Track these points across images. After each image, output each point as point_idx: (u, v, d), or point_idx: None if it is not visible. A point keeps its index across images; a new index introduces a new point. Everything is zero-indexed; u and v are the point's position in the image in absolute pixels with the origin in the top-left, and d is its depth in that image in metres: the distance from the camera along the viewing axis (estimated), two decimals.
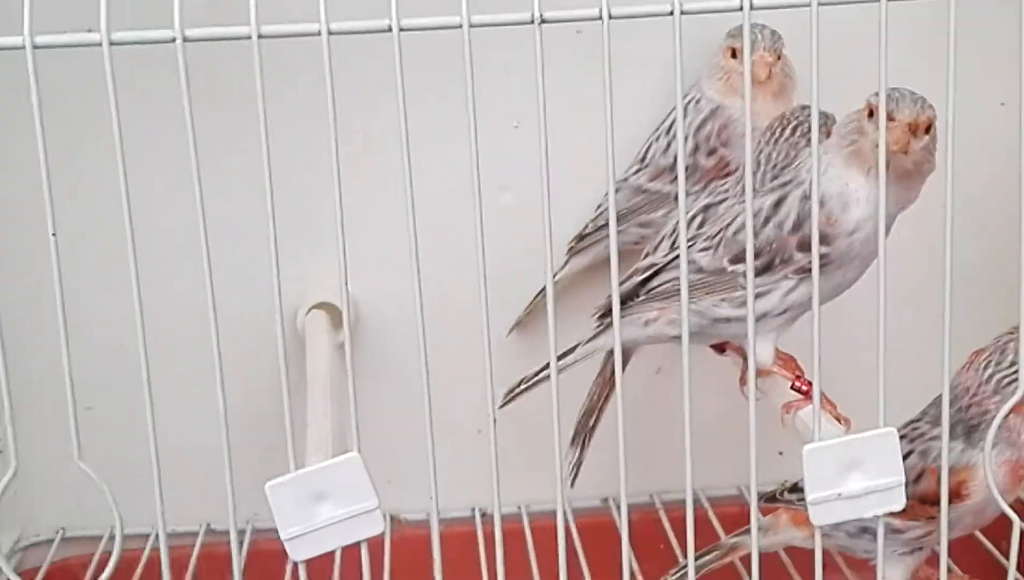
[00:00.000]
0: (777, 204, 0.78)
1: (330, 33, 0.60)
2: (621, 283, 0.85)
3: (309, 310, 0.99)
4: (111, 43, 0.59)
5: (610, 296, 0.86)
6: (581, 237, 1.00)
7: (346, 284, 0.66)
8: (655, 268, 0.83)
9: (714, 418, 0.81)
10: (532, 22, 0.61)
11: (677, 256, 0.79)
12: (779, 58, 0.90)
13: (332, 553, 0.67)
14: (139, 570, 0.98)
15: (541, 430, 0.86)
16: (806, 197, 0.76)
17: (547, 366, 0.83)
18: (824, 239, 0.74)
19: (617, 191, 0.97)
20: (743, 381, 0.87)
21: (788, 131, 0.83)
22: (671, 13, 0.61)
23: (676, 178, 0.95)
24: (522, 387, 0.87)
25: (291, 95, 0.87)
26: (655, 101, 0.99)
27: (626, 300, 0.82)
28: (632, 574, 0.93)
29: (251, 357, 0.93)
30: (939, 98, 0.65)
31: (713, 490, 1.08)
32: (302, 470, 0.66)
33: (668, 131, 0.96)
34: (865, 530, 0.82)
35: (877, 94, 0.64)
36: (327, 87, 0.61)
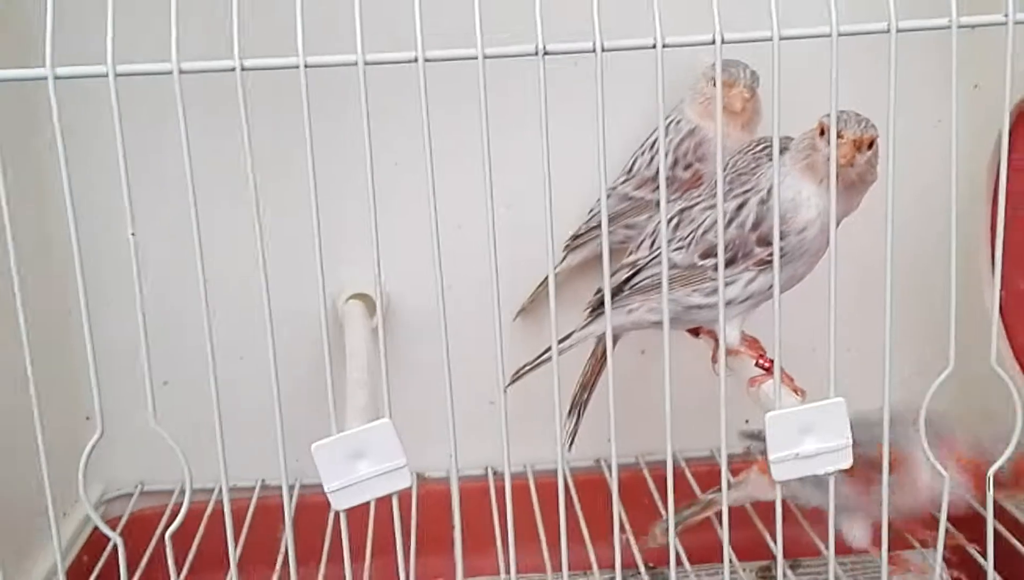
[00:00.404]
0: (739, 208, 0.78)
1: (366, 64, 0.60)
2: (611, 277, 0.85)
3: (347, 300, 0.99)
4: (181, 71, 0.59)
5: (599, 290, 0.88)
6: (576, 237, 1.00)
7: (379, 277, 0.65)
8: (637, 266, 0.83)
9: (690, 391, 0.81)
10: (536, 54, 0.61)
11: (656, 255, 0.80)
12: (753, 94, 0.90)
13: (367, 505, 0.67)
14: (205, 519, 0.98)
15: (544, 402, 0.86)
16: (763, 201, 0.77)
17: (548, 349, 0.84)
18: (781, 234, 0.74)
19: (608, 197, 0.99)
20: (714, 359, 0.87)
21: (753, 149, 0.83)
22: (654, 46, 0.61)
23: (657, 187, 0.96)
24: (527, 368, 0.87)
25: (337, 118, 0.87)
26: (641, 120, 0.98)
27: (614, 294, 0.82)
28: (621, 523, 0.93)
29: (301, 340, 0.92)
30: (882, 118, 0.65)
31: (689, 452, 1.08)
32: (342, 433, 0.66)
33: (652, 146, 0.97)
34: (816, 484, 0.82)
35: (828, 115, 0.64)
36: (363, 112, 0.61)
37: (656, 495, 1.02)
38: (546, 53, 0.60)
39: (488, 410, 0.91)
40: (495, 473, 1.06)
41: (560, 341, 0.87)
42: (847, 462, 0.67)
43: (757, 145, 0.83)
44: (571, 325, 0.90)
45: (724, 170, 0.86)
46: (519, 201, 1.00)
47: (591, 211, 0.99)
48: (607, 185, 0.99)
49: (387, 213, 0.91)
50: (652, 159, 0.96)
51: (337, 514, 0.67)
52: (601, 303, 0.81)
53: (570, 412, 0.91)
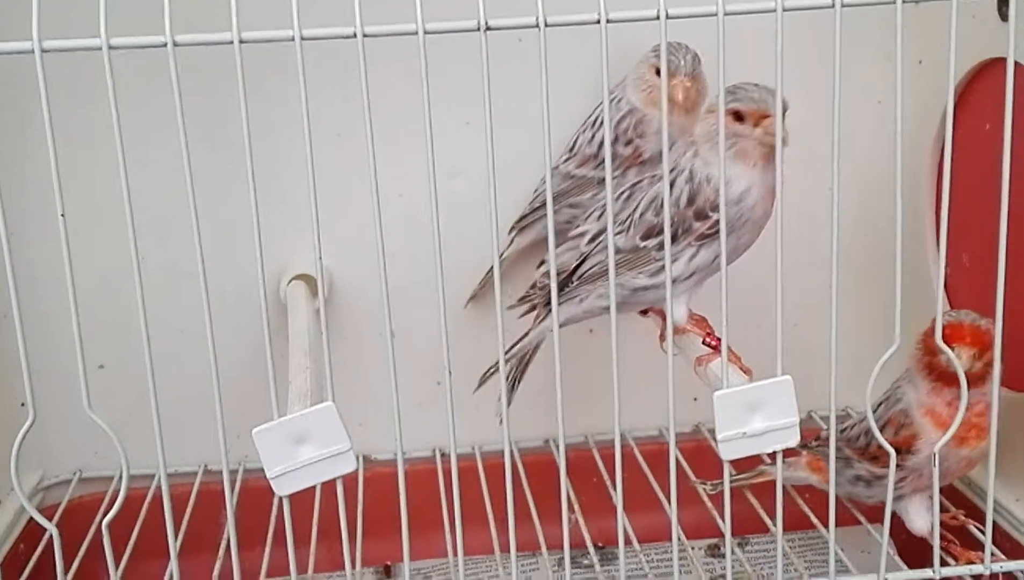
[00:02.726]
0: (670, 188, 0.77)
1: (303, 39, 0.59)
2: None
3: (290, 281, 0.98)
4: (110, 47, 0.58)
5: (536, 284, 0.88)
6: (522, 218, 0.99)
7: (320, 259, 0.64)
8: (582, 256, 0.83)
9: (639, 370, 0.81)
10: (478, 29, 0.60)
11: (599, 245, 0.81)
12: (695, 80, 0.90)
13: (314, 488, 0.66)
14: (146, 505, 0.96)
15: (491, 383, 0.87)
16: (689, 178, 0.78)
17: (510, 350, 0.85)
18: (715, 207, 0.76)
19: (550, 177, 0.98)
20: (662, 338, 0.87)
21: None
22: (598, 21, 0.60)
23: (600, 164, 0.96)
24: (491, 371, 0.87)
25: (279, 93, 0.85)
26: (585, 98, 0.98)
27: (562, 287, 0.82)
28: (570, 503, 0.94)
29: (245, 321, 0.92)
30: (827, 94, 0.65)
31: (638, 431, 1.08)
32: (284, 418, 0.65)
33: (594, 124, 0.96)
34: (858, 478, 0.85)
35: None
36: (302, 93, 0.60)
37: (605, 474, 1.02)
38: (488, 28, 0.60)
39: (435, 391, 0.90)
40: (443, 455, 1.06)
41: (517, 342, 0.86)
42: (795, 439, 0.68)
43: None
44: (518, 310, 0.90)
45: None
46: (467, 176, 0.99)
47: (536, 192, 0.99)
48: (550, 164, 0.98)
49: (332, 191, 0.90)
50: (594, 136, 0.95)
51: (281, 499, 0.66)
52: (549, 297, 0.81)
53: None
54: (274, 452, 0.64)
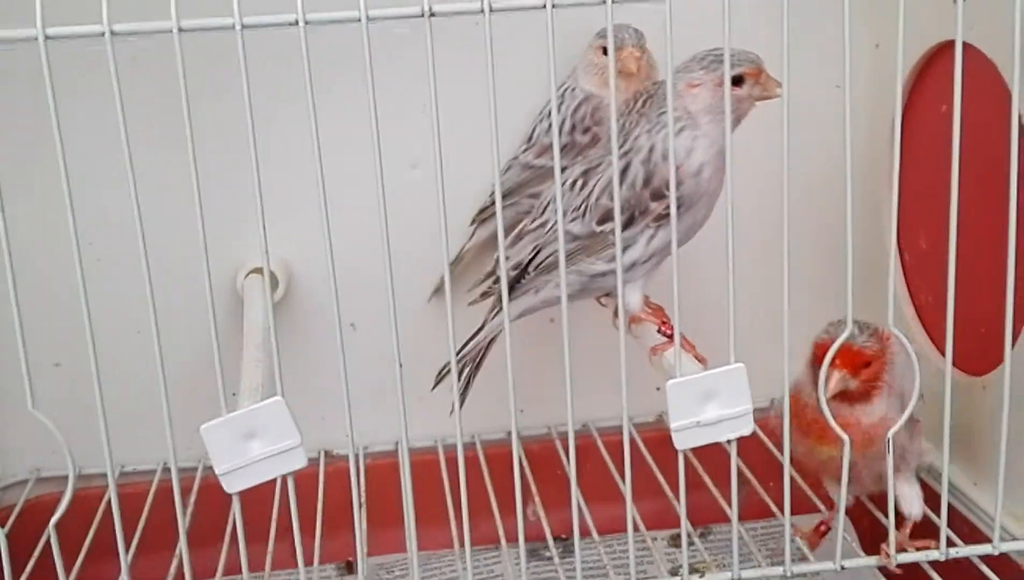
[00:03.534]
0: (624, 170, 0.77)
1: (244, 27, 0.58)
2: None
3: (247, 274, 0.97)
4: (47, 37, 0.57)
5: (490, 275, 0.87)
6: (482, 210, 0.99)
7: (266, 250, 0.64)
8: (537, 246, 0.82)
9: (601, 360, 0.80)
10: (422, 15, 0.59)
11: (553, 233, 0.79)
12: (644, 52, 0.90)
13: (274, 484, 0.66)
14: (103, 505, 0.95)
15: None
16: (645, 160, 0.76)
17: (463, 347, 0.84)
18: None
19: (509, 169, 0.98)
20: (616, 317, 0.86)
21: (639, 104, 0.82)
22: (544, 6, 0.60)
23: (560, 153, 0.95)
24: (445, 370, 0.86)
25: (230, 85, 0.84)
26: (543, 89, 0.97)
27: (519, 278, 0.81)
28: (529, 494, 0.94)
29: (201, 316, 0.90)
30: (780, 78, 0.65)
31: (602, 421, 1.07)
32: (232, 413, 0.64)
33: (550, 114, 0.95)
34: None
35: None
36: (243, 82, 0.59)
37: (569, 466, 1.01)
38: (432, 14, 0.59)
39: (396, 385, 0.89)
40: (410, 451, 1.04)
41: (472, 336, 0.85)
42: (748, 428, 0.68)
43: (636, 102, 0.82)
44: (484, 303, 0.90)
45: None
46: (427, 167, 0.98)
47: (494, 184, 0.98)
48: (509, 156, 0.98)
49: (290, 183, 0.89)
50: (551, 126, 0.94)
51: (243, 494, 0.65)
52: (511, 290, 0.80)
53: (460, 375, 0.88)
54: (223, 448, 0.64)
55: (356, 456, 0.73)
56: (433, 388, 0.85)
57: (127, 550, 0.68)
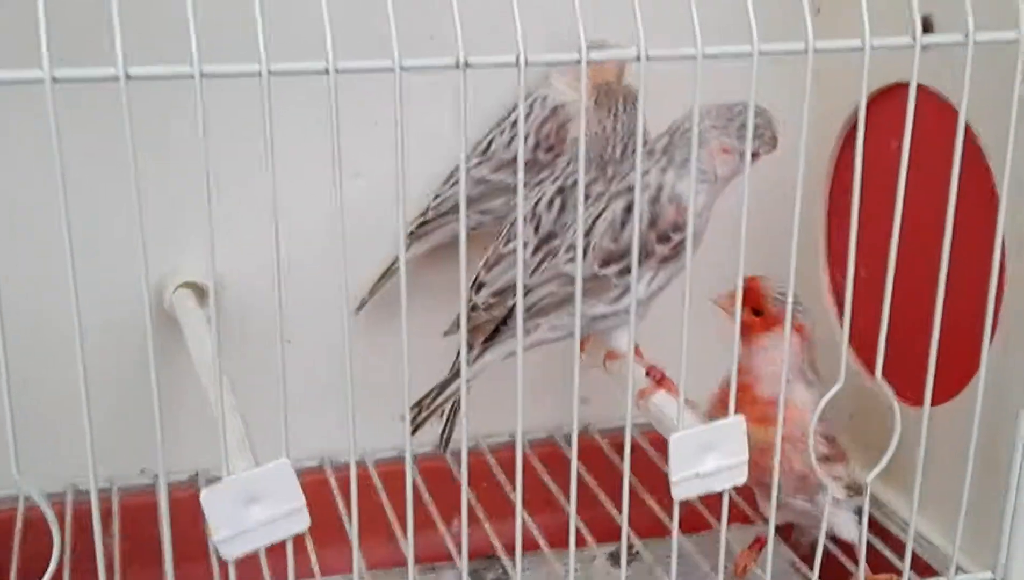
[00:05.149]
0: (628, 208, 0.76)
1: (203, 76, 0.55)
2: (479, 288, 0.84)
3: (176, 289, 0.92)
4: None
5: (476, 310, 0.83)
6: (423, 224, 0.95)
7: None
8: (528, 286, 0.79)
9: (529, 374, 0.80)
10: (392, 69, 0.57)
11: (544, 274, 0.78)
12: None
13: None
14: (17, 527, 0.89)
15: (389, 387, 0.82)
16: (653, 200, 0.76)
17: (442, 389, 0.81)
18: (677, 227, 0.75)
19: (457, 181, 0.94)
20: (608, 358, 0.85)
21: (620, 145, 0.82)
22: (516, 64, 0.58)
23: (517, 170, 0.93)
24: (422, 416, 0.83)
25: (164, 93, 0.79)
26: (499, 98, 0.94)
27: (504, 321, 0.79)
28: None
29: (123, 334, 0.90)
30: None
31: (531, 434, 1.07)
32: (234, 476, 0.61)
33: (512, 126, 0.92)
34: None
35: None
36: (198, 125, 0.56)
37: (503, 478, 1.01)
38: (403, 69, 0.57)
39: (330, 400, 0.86)
40: (332, 464, 1.02)
41: (451, 379, 0.83)
42: (743, 478, 0.69)
43: (622, 141, 0.82)
44: (421, 317, 0.86)
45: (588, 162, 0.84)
46: (369, 178, 0.94)
47: (437, 197, 0.95)
48: (454, 166, 0.94)
49: (220, 193, 0.84)
50: (511, 140, 0.91)
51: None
52: (495, 330, 0.78)
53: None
54: (223, 515, 0.60)
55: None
56: (413, 432, 0.82)
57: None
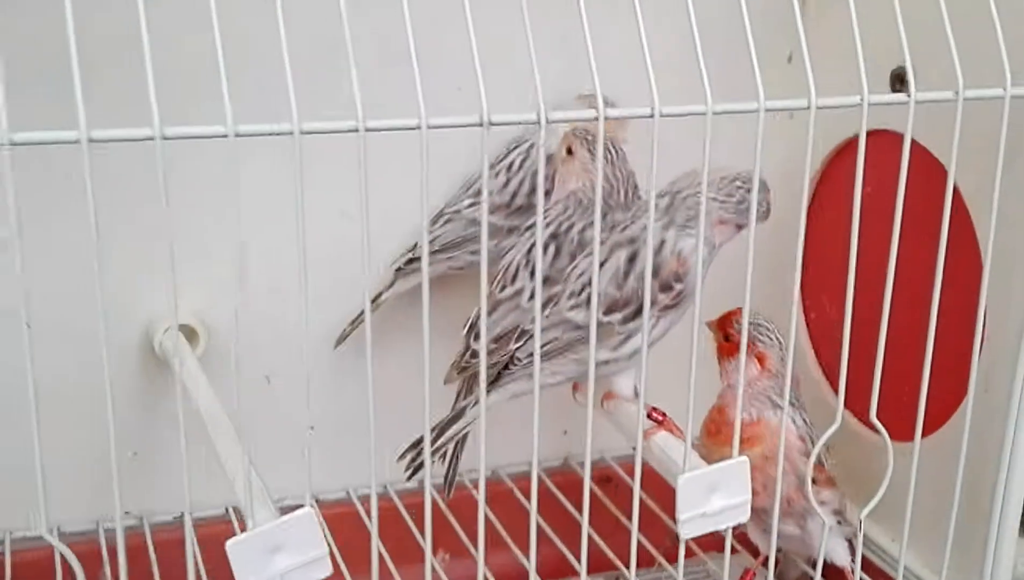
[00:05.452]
0: (631, 259, 0.78)
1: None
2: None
3: (167, 330, 0.91)
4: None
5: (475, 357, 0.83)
6: (411, 260, 0.95)
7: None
8: (528, 334, 0.81)
9: (513, 409, 0.81)
10: (418, 127, 0.58)
11: (548, 319, 0.79)
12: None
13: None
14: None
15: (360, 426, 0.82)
16: (656, 251, 0.78)
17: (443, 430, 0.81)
18: (678, 277, 0.78)
19: (447, 221, 0.95)
20: (607, 398, 0.86)
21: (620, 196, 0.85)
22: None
23: (511, 213, 0.94)
24: (418, 463, 0.82)
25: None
26: (493, 139, 0.95)
27: (508, 364, 0.80)
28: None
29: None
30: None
31: (512, 467, 1.08)
32: (259, 528, 0.62)
33: (508, 169, 0.93)
34: None
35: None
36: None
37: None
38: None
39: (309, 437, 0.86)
40: (318, 501, 1.02)
41: (454, 419, 0.83)
42: (746, 515, 0.71)
43: (623, 187, 0.84)
44: (401, 355, 0.88)
45: (580, 208, 0.87)
46: (353, 216, 0.94)
47: (432, 234, 0.94)
48: (450, 208, 0.95)
49: (199, 229, 0.84)
50: (507, 183, 0.92)
51: None
52: (498, 375, 0.80)
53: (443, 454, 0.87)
54: (249, 564, 0.61)
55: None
56: (409, 478, 0.82)
57: None
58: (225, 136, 0.55)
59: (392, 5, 0.58)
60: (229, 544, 0.61)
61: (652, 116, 0.62)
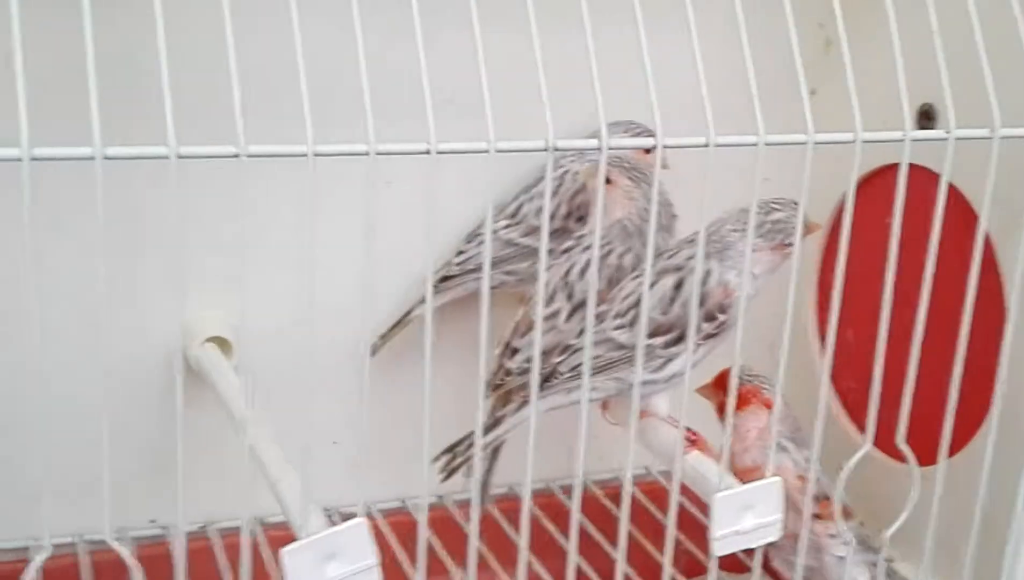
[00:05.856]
0: (677, 286, 0.81)
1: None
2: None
3: (204, 342, 0.93)
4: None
5: (509, 374, 0.86)
6: (445, 278, 0.97)
7: None
8: (571, 348, 0.83)
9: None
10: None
11: (595, 335, 0.81)
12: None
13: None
14: None
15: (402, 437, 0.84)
16: (703, 282, 0.80)
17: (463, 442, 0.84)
18: (722, 309, 0.81)
19: (483, 241, 0.97)
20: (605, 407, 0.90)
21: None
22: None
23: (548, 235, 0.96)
24: (460, 460, 0.85)
25: None
26: (528, 162, 0.97)
27: (549, 377, 0.83)
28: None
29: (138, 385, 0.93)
30: None
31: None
32: (315, 535, 0.63)
33: (543, 194, 0.94)
34: None
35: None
36: None
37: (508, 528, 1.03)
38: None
39: (330, 450, 0.87)
40: (341, 515, 1.03)
41: (492, 426, 0.85)
42: (778, 534, 0.74)
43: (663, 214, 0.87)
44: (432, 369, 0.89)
45: (623, 235, 0.89)
46: (384, 236, 0.96)
47: (461, 253, 0.97)
48: (478, 225, 0.97)
49: (231, 240, 0.85)
50: (541, 207, 0.94)
51: None
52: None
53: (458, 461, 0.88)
54: (303, 570, 0.63)
55: None
56: (444, 480, 0.84)
57: None
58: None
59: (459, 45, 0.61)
60: (284, 551, 0.62)
61: (707, 145, 0.64)
